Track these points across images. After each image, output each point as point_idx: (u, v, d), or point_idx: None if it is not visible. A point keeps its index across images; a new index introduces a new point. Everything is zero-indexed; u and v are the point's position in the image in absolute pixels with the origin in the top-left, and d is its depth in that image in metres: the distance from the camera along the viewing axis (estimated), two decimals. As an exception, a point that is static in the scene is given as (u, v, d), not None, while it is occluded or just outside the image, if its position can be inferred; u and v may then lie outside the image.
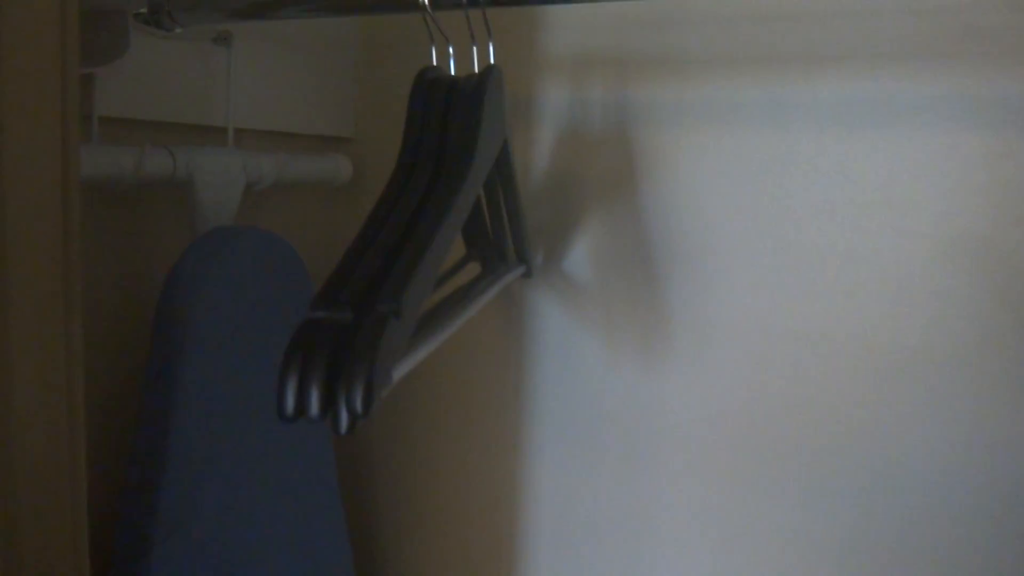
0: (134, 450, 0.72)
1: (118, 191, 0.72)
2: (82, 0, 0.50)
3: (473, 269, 0.82)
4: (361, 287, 0.52)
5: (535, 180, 0.90)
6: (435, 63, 0.69)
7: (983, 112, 0.72)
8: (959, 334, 0.74)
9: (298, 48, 0.91)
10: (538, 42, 0.89)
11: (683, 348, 0.85)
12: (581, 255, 0.89)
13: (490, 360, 0.95)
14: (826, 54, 0.77)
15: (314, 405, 0.48)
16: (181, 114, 0.79)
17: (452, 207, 0.57)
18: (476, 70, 0.69)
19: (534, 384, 0.93)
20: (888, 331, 0.76)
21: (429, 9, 0.67)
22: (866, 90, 0.76)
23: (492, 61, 0.68)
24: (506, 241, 0.82)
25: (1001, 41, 0.71)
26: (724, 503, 0.84)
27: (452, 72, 0.70)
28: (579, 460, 0.92)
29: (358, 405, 0.46)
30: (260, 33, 0.86)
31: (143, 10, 0.74)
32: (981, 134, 0.72)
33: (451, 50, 0.69)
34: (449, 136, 0.63)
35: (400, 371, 0.51)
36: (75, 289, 0.49)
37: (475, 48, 0.69)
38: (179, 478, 0.71)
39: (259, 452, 0.79)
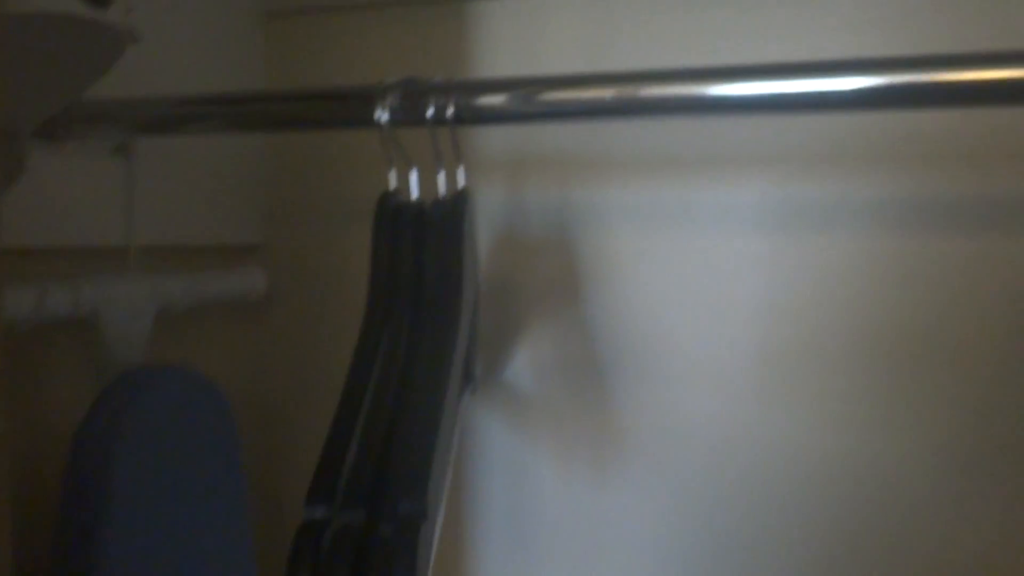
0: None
1: (13, 335, 0.61)
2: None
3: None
4: (366, 478, 0.45)
5: (471, 287, 0.84)
6: (393, 184, 0.63)
7: (922, 214, 0.73)
8: (907, 437, 0.74)
9: (202, 150, 0.81)
10: (470, 141, 0.84)
11: (634, 458, 0.81)
12: (524, 365, 0.84)
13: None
14: (769, 155, 0.76)
15: (338, 638, 0.40)
16: (77, 237, 0.68)
17: (451, 367, 0.50)
18: (438, 191, 0.63)
19: (479, 501, 0.86)
20: (837, 436, 0.75)
21: (386, 127, 0.60)
22: (807, 192, 0.75)
23: (461, 184, 0.62)
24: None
25: (936, 145, 0.72)
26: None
27: (412, 193, 0.63)
28: (525, 578, 0.86)
29: (403, 641, 0.39)
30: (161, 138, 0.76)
31: (33, 122, 0.63)
32: (918, 235, 0.73)
33: (415, 174, 0.62)
34: (427, 276, 0.56)
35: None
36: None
37: (438, 171, 0.63)
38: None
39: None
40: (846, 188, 0.75)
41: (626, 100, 0.57)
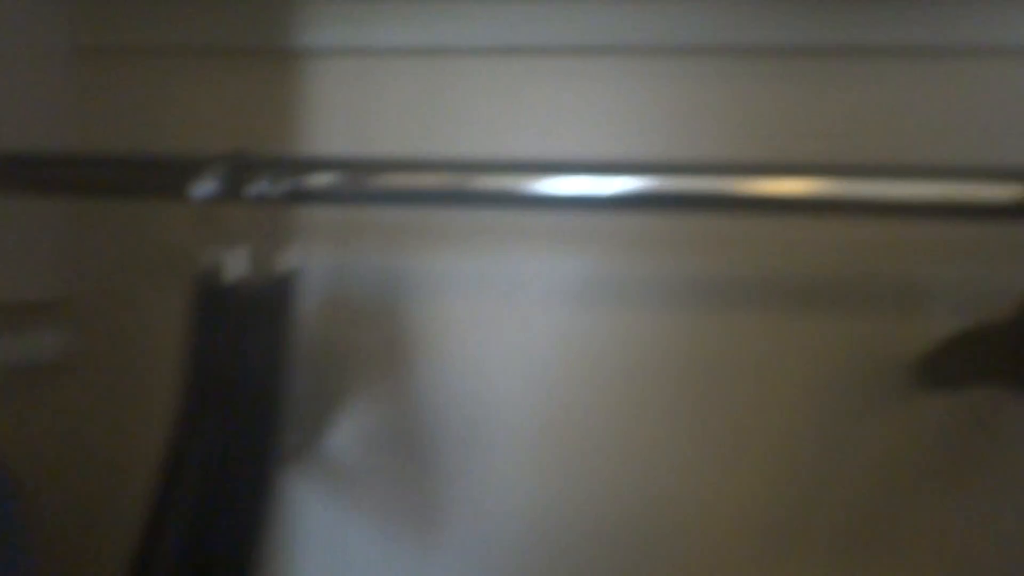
0: None
1: None
2: None
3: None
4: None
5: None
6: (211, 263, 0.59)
7: (727, 294, 0.77)
8: (711, 502, 0.77)
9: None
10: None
11: (458, 529, 0.81)
12: (346, 435, 0.82)
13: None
14: (591, 232, 0.78)
15: None
16: None
17: (271, 459, 0.48)
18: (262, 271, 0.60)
19: (293, 577, 0.83)
20: (655, 504, 0.78)
21: (205, 204, 0.57)
22: (625, 268, 0.78)
23: (287, 265, 0.59)
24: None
25: (742, 231, 0.77)
26: None
27: (234, 273, 0.60)
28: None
29: None
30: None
31: None
32: (724, 312, 0.77)
33: (242, 253, 0.59)
34: (246, 361, 0.53)
35: None
36: None
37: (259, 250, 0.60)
38: None
39: None
40: (659, 266, 0.78)
41: (456, 191, 0.57)
